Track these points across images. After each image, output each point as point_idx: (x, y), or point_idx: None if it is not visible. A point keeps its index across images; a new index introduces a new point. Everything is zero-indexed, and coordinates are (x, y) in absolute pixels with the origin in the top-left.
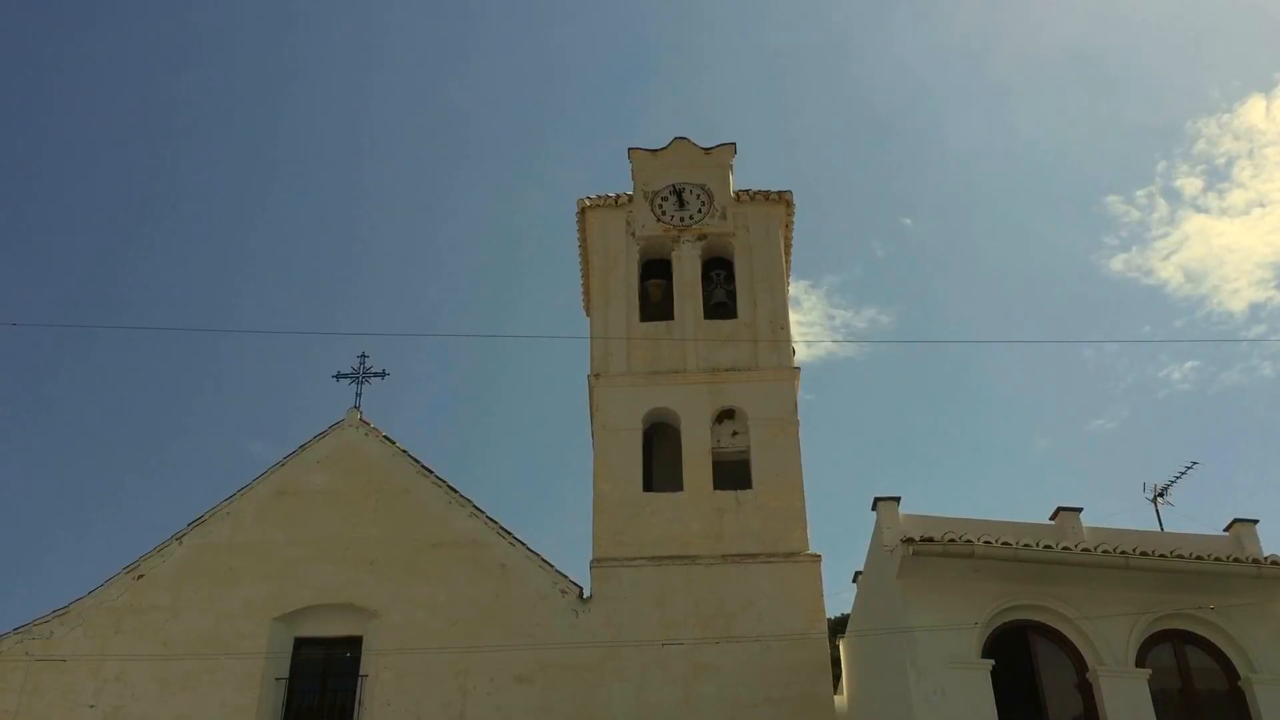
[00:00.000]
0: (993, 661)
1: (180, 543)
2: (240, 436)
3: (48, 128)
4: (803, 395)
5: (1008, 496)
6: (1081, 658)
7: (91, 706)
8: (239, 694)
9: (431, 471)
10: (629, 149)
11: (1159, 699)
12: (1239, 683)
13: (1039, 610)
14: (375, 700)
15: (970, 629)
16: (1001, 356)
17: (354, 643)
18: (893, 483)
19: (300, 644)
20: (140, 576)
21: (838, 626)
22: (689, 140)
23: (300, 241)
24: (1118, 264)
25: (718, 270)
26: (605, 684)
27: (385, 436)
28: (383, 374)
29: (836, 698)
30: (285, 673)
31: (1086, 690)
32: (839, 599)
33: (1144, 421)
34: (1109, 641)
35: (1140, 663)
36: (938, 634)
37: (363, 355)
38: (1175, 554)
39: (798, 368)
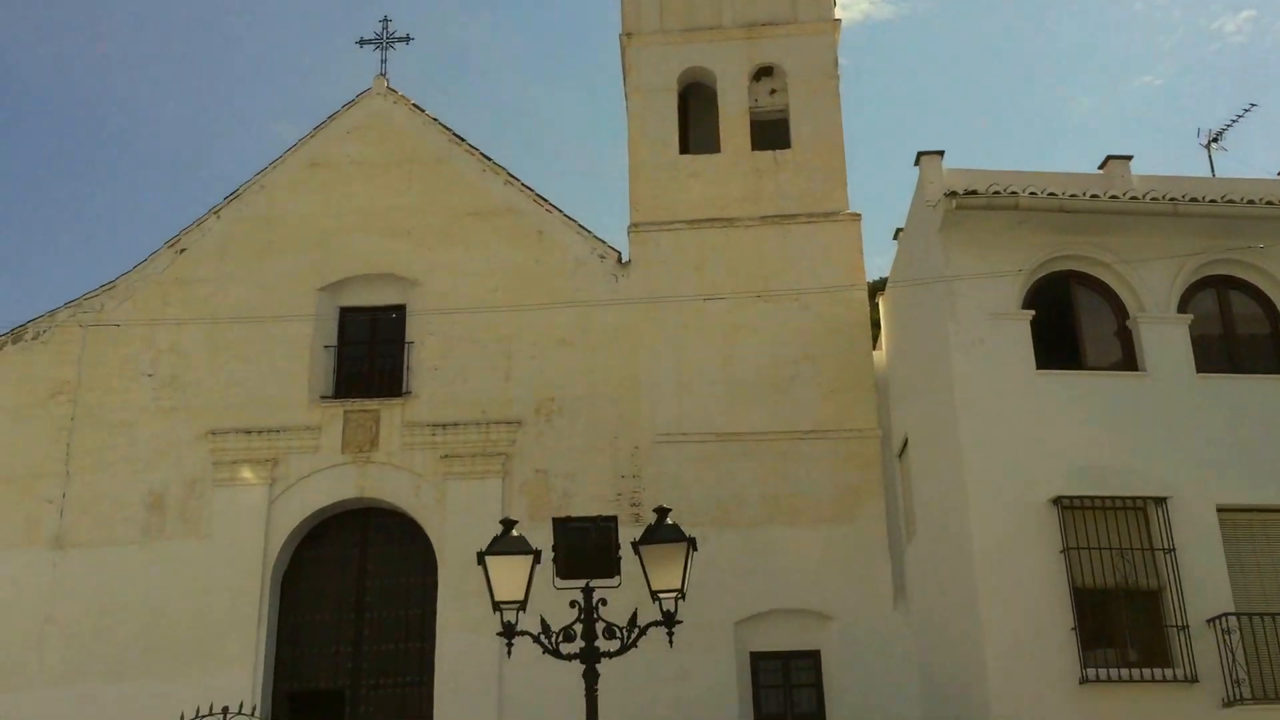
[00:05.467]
0: (1033, 312)
1: (218, 216)
2: (264, 118)
3: None
4: (840, 58)
5: (1051, 158)
6: (1123, 305)
7: (149, 375)
8: (290, 361)
9: (464, 139)
10: None
11: (1199, 345)
12: None
13: (1082, 260)
14: (422, 365)
15: (1011, 280)
16: (1043, 11)
17: (398, 311)
18: (933, 144)
19: (345, 313)
20: (182, 250)
21: (876, 290)
22: None
23: None
24: None
25: None
26: (646, 345)
27: (414, 105)
28: (407, 39)
29: (875, 354)
30: (333, 340)
31: (1126, 337)
32: (877, 263)
33: (1194, 76)
34: (1151, 288)
35: (1182, 308)
36: (978, 286)
37: (385, 19)
38: (1226, 199)
39: (838, 20)
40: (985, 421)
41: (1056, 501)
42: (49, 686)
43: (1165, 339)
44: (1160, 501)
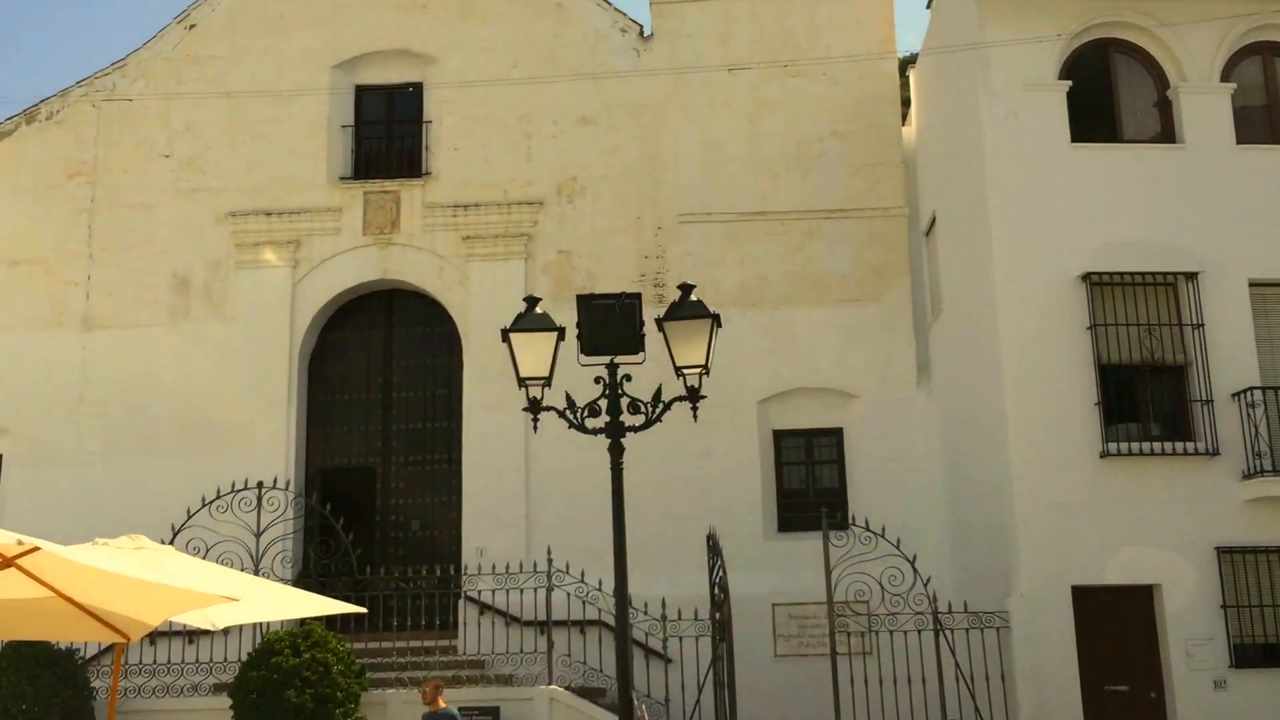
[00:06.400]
0: (1069, 82)
1: None
2: None
3: None
4: None
5: None
6: (1163, 75)
7: (166, 156)
8: (308, 141)
9: None
10: None
11: (1240, 115)
12: None
13: (1124, 27)
14: (441, 145)
15: (1048, 49)
16: None
17: (415, 88)
18: None
19: (362, 91)
20: (192, 26)
21: (907, 65)
22: None
23: None
24: None
25: None
26: (670, 122)
27: None
28: None
29: (905, 129)
30: (350, 119)
31: (1165, 108)
32: (909, 39)
33: None
34: (1194, 57)
35: (1225, 78)
36: (1013, 56)
37: None
38: None
39: None
40: (1016, 196)
41: (1086, 278)
42: (86, 463)
43: (1206, 109)
44: (1191, 276)
